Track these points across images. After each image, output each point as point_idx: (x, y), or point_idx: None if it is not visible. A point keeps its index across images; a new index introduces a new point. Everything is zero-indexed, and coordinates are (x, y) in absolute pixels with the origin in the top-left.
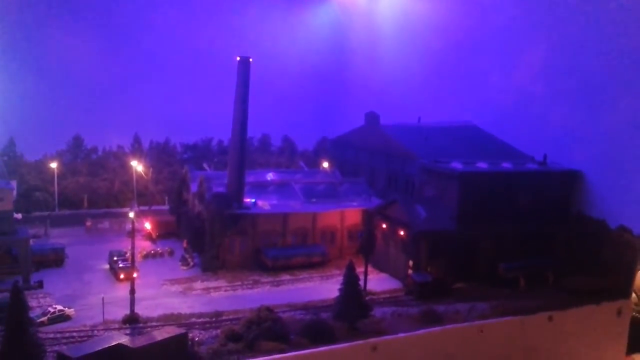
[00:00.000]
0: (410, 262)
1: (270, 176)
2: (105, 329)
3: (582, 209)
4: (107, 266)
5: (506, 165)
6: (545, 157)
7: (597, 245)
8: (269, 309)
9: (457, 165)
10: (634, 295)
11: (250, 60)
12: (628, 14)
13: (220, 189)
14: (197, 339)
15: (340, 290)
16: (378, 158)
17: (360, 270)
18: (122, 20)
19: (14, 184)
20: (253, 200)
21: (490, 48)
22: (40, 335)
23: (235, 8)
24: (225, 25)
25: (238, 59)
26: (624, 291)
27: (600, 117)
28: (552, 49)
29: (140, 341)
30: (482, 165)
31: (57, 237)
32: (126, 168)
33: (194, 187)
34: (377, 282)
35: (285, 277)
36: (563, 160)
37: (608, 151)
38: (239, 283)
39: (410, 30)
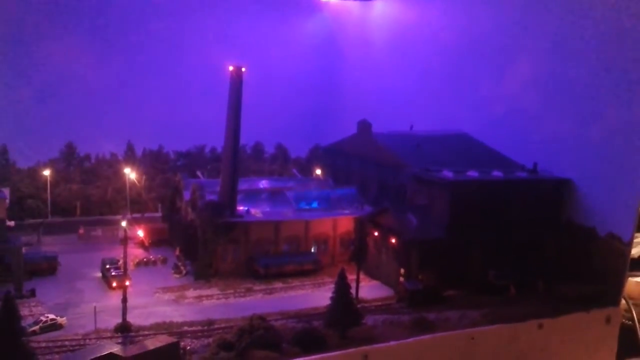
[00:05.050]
0: (402, 270)
1: (263, 184)
2: (97, 338)
3: (572, 216)
4: (100, 274)
5: (497, 173)
6: (535, 165)
7: (587, 253)
8: (261, 318)
9: (448, 173)
10: (623, 302)
11: (243, 69)
12: (619, 25)
13: (213, 197)
14: (189, 347)
15: (331, 298)
16: (370, 166)
17: (352, 277)
18: (115, 27)
19: (6, 191)
20: (246, 208)
21: (482, 57)
22: (32, 344)
23: (228, 16)
24: (218, 33)
25: (231, 68)
26: (614, 298)
27: (590, 125)
28: (542, 58)
29: (132, 350)
30: (473, 173)
31: (50, 244)
32: (119, 175)
33: (186, 195)
34: (368, 289)
35: (278, 284)
36: (553, 169)
37: (598, 160)
38: (232, 291)
39: (402, 39)
